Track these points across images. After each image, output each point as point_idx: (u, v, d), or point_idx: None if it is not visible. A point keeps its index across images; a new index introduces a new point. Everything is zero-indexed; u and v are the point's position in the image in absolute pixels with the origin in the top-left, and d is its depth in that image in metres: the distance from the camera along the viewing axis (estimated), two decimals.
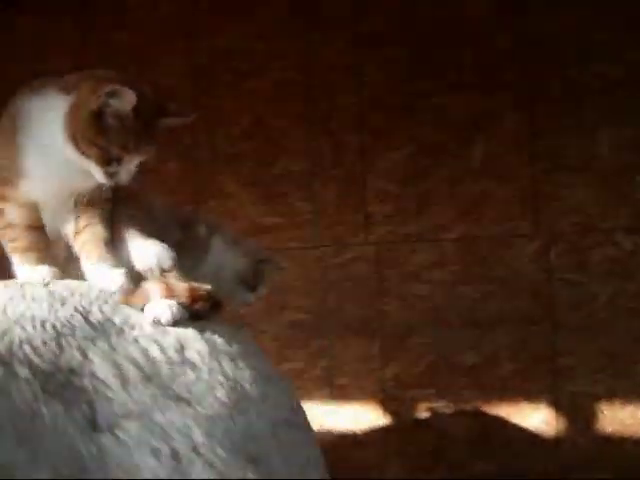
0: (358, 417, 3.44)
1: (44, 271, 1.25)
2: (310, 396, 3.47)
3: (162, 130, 1.27)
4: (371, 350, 3.45)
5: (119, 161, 1.16)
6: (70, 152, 1.17)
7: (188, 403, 1.17)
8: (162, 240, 1.43)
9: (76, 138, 1.14)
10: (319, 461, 1.60)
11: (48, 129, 1.19)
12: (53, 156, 1.20)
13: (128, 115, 1.13)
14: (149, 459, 1.04)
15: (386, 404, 3.46)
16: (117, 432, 1.04)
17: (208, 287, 1.29)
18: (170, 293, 1.23)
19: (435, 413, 3.39)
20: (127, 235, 1.35)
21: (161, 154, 3.35)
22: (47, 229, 1.29)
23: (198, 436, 1.13)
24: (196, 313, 1.24)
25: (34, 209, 1.23)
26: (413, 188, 3.47)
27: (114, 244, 1.32)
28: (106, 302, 1.23)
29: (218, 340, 1.33)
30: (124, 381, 1.13)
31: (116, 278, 1.20)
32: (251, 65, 3.64)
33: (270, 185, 3.60)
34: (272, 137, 3.62)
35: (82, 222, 1.24)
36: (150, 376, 1.16)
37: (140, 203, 1.47)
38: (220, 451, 1.13)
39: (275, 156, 3.60)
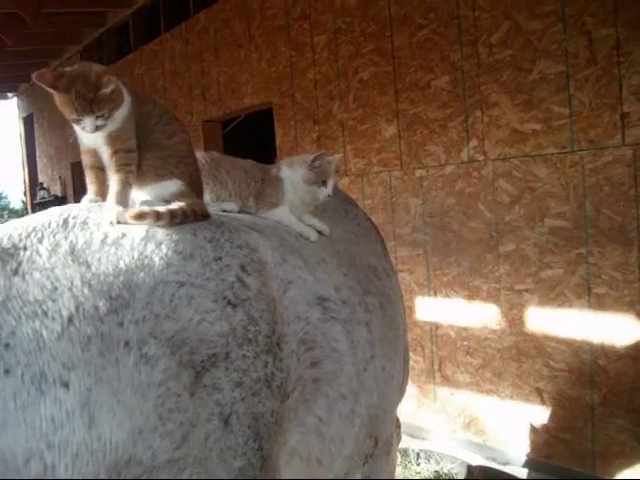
0: (615, 327, 3.32)
1: (87, 199, 1.76)
2: (570, 304, 3.49)
3: (106, 95, 1.61)
4: (629, 259, 3.25)
5: (80, 120, 1.61)
6: None
7: None
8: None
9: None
10: None
11: None
12: None
13: (61, 95, 1.60)
14: None
15: None
16: None
17: (184, 205, 1.59)
18: (148, 212, 1.56)
19: None
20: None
21: (434, 70, 3.76)
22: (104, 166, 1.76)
23: None
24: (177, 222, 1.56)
25: (94, 155, 1.73)
26: None
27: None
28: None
29: None
30: None
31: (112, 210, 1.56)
32: None
33: (529, 91, 3.56)
34: (529, 42, 3.53)
35: (113, 167, 1.65)
36: None
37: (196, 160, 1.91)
38: None
39: (532, 61, 3.52)
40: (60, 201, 10.23)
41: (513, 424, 3.84)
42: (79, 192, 9.88)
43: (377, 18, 4.40)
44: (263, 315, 1.49)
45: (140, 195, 1.64)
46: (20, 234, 1.38)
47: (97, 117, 1.59)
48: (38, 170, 11.64)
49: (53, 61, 9.67)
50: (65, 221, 1.43)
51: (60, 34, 8.42)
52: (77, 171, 9.80)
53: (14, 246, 1.35)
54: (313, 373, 1.67)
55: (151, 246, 1.41)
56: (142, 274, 1.35)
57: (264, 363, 1.45)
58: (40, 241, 1.37)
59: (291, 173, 2.06)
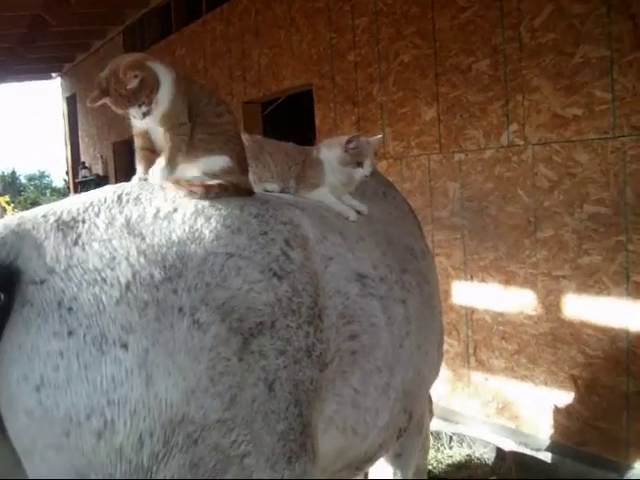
0: None
1: (137, 177, 1.84)
2: (608, 292, 3.46)
3: (136, 85, 1.68)
4: None
5: (128, 113, 1.72)
6: None
7: None
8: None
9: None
10: None
11: None
12: None
13: (101, 92, 1.71)
14: None
15: None
16: None
17: (228, 180, 1.68)
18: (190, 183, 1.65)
19: None
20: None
21: (475, 53, 3.75)
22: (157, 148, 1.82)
23: None
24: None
25: (146, 137, 1.80)
26: None
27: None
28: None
29: None
30: None
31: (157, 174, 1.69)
32: None
33: (571, 75, 3.51)
34: (572, 25, 3.48)
35: (167, 139, 1.72)
36: None
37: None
38: None
39: (575, 45, 3.48)
40: (102, 180, 10.42)
41: (547, 410, 3.84)
42: (120, 171, 10.05)
43: (419, 0, 4.38)
44: (306, 288, 1.57)
45: (189, 169, 1.71)
46: (78, 209, 1.47)
47: (139, 106, 1.69)
48: (80, 149, 11.84)
49: (96, 41, 9.81)
50: (119, 197, 1.52)
51: (103, 14, 8.53)
52: (119, 150, 9.96)
53: (73, 219, 1.44)
54: (351, 345, 1.74)
55: (201, 220, 1.49)
56: (193, 246, 1.43)
57: (306, 333, 1.53)
58: (97, 215, 1.46)
59: (329, 155, 2.10)
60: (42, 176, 51.36)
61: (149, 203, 1.51)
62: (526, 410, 3.98)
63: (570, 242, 3.61)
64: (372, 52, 4.81)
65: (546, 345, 3.80)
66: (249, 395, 1.41)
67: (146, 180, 1.71)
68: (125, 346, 1.29)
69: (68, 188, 13.25)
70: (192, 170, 1.70)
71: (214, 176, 1.67)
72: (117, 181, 10.11)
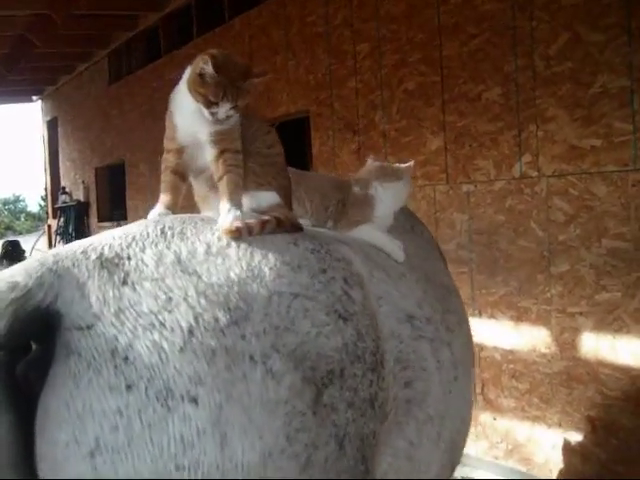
0: None
1: (157, 212, 1.63)
2: (627, 330, 3.32)
3: (249, 87, 1.61)
4: None
5: (216, 105, 1.57)
6: (191, 100, 1.63)
7: None
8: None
9: (191, 90, 1.62)
10: None
11: (181, 92, 1.68)
12: (186, 109, 1.66)
13: (213, 74, 1.56)
14: None
15: None
16: None
17: (278, 215, 1.54)
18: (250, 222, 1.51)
19: None
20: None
21: (485, 81, 3.64)
22: (192, 169, 1.68)
23: None
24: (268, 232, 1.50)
25: (181, 155, 1.63)
26: None
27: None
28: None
29: None
30: None
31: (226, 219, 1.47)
32: None
33: (588, 106, 3.40)
34: (590, 54, 3.38)
35: (221, 168, 1.57)
36: None
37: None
38: None
39: (593, 74, 3.37)
40: (82, 206, 10.18)
41: (561, 453, 3.67)
42: (102, 197, 9.82)
43: (425, 27, 4.27)
44: (369, 331, 1.43)
45: None
46: (120, 244, 1.31)
47: (232, 107, 1.56)
48: (61, 174, 11.59)
49: (80, 64, 9.63)
50: (162, 231, 1.37)
51: (89, 37, 8.37)
52: (101, 176, 9.73)
53: (117, 255, 1.28)
54: (406, 393, 1.59)
55: (258, 256, 1.36)
56: (255, 285, 1.30)
57: (370, 382, 1.39)
58: (143, 250, 1.30)
59: (384, 189, 1.96)
60: (17, 200, 50.65)
61: (196, 238, 1.36)
62: (538, 452, 3.81)
63: (587, 278, 3.47)
64: (374, 79, 4.69)
65: (560, 385, 3.65)
66: (322, 454, 1.26)
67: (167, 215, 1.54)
68: (195, 401, 1.12)
69: (46, 213, 12.94)
70: None
71: (261, 213, 1.52)
72: (99, 208, 9.93)
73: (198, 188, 1.70)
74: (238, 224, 1.41)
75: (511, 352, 3.90)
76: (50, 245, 11.41)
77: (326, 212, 1.94)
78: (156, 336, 1.15)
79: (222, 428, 1.12)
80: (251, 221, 1.45)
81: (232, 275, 1.29)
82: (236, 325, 1.21)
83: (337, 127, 5.05)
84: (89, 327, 1.15)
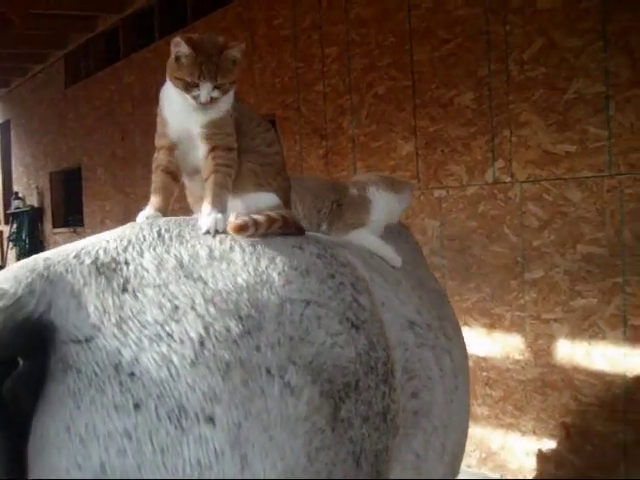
0: None
1: (145, 214, 1.51)
2: (603, 336, 3.31)
3: (228, 62, 1.50)
4: None
5: (196, 86, 1.46)
6: (179, 91, 1.53)
7: None
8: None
9: (171, 78, 1.53)
10: None
11: (168, 85, 1.59)
12: (175, 101, 1.55)
13: (189, 54, 1.47)
14: None
15: None
16: None
17: (283, 214, 1.45)
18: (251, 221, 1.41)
19: None
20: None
21: (457, 86, 3.60)
22: (185, 168, 1.57)
23: None
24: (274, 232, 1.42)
25: (172, 153, 1.53)
26: None
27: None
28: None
29: None
30: None
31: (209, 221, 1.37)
32: None
33: (563, 111, 3.39)
34: (565, 59, 3.37)
35: (209, 167, 1.48)
36: None
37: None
38: None
39: (568, 80, 3.37)
40: (36, 212, 9.88)
41: (535, 460, 3.64)
42: (57, 203, 9.55)
43: (395, 31, 4.22)
44: (379, 339, 1.35)
45: (233, 203, 1.44)
46: (116, 247, 1.20)
47: (215, 87, 1.46)
48: (13, 179, 11.25)
49: (35, 66, 9.36)
50: (159, 234, 1.26)
51: (46, 37, 8.13)
52: (56, 181, 9.46)
53: (114, 260, 1.17)
54: (414, 404, 1.52)
55: (264, 261, 1.26)
56: (265, 291, 1.20)
57: (382, 394, 1.31)
58: (141, 254, 1.19)
59: (381, 195, 1.89)
60: None
61: (197, 241, 1.26)
62: (512, 460, 3.78)
63: (562, 284, 3.46)
64: (343, 83, 4.63)
65: (534, 392, 3.62)
66: (340, 472, 1.18)
67: (156, 218, 1.41)
68: (211, 420, 1.02)
69: None
70: (235, 204, 1.43)
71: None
72: (54, 213, 9.66)
73: (192, 189, 1.60)
74: (244, 218, 1.33)
75: (484, 359, 3.86)
76: (2, 252, 11.07)
77: (319, 214, 1.85)
78: (164, 348, 1.05)
79: (242, 449, 1.03)
80: (258, 217, 1.36)
81: (240, 281, 1.19)
82: (249, 335, 1.12)
83: (304, 131, 4.98)
84: (88, 340, 1.05)
